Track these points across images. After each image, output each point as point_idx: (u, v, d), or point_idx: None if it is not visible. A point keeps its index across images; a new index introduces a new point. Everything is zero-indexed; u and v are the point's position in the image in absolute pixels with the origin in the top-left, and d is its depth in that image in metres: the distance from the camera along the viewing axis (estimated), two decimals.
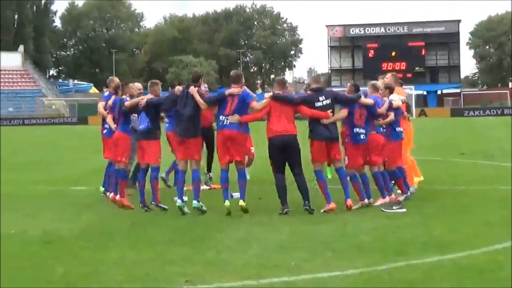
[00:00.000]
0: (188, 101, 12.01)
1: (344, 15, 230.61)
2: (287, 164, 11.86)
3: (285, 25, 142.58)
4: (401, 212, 11.41)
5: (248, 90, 12.06)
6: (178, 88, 12.34)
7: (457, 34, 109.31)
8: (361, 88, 12.84)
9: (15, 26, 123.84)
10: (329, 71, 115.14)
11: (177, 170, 12.66)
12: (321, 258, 8.32)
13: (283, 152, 11.70)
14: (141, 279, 7.54)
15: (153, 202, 12.30)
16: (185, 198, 12.56)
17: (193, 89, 12.03)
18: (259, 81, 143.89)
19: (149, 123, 12.37)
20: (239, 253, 8.69)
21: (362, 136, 12.12)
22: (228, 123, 11.65)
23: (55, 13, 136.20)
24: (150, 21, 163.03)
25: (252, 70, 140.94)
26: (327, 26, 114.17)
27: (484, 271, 7.46)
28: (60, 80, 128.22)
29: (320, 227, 10.30)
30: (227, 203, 11.55)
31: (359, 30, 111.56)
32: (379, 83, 13.03)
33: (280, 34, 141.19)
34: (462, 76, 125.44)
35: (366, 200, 12.04)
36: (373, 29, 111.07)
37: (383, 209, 11.60)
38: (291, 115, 11.81)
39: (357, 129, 12.09)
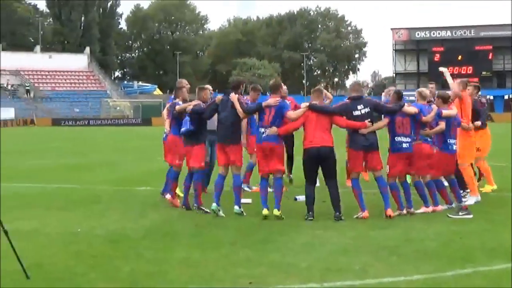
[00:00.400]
0: (228, 108, 12.04)
1: (410, 18, 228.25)
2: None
3: (349, 28, 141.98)
4: (467, 218, 11.26)
5: (285, 101, 12.11)
6: (219, 97, 12.34)
7: None
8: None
9: (82, 28, 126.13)
10: (394, 74, 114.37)
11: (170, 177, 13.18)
12: (385, 262, 8.27)
13: (318, 164, 11.66)
14: (206, 279, 7.60)
15: (195, 205, 12.38)
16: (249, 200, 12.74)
17: (233, 97, 12.01)
18: (322, 84, 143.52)
19: (190, 126, 12.43)
20: (303, 256, 8.69)
21: (405, 145, 11.85)
22: (267, 135, 11.66)
23: (120, 15, 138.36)
24: (214, 24, 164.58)
25: (315, 73, 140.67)
26: (392, 29, 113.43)
27: None
28: (125, 82, 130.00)
29: (384, 232, 10.23)
30: (265, 211, 11.54)
31: (425, 34, 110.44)
32: (427, 91, 12.77)
33: (344, 37, 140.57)
34: None
35: (404, 210, 11.86)
36: (438, 33, 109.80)
37: (449, 215, 11.46)
38: (328, 125, 11.68)
39: (399, 138, 11.84)
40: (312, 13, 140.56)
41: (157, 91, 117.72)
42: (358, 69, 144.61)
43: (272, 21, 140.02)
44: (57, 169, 21.77)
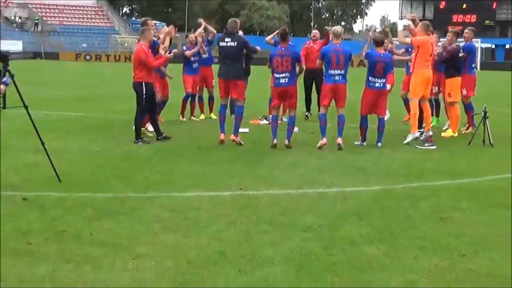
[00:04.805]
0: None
1: None
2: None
3: None
4: (431, 148, 13.05)
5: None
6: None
7: None
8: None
9: None
10: (400, 20, 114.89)
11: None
12: (352, 178, 10.09)
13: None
14: (205, 186, 9.33)
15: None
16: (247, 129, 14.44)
17: None
18: (330, 27, 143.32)
19: None
20: (286, 172, 10.51)
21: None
22: (337, 78, 13.11)
23: None
24: None
25: (323, 16, 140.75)
26: None
27: (480, 191, 9.19)
28: (133, 18, 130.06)
29: (358, 157, 12.06)
30: (324, 140, 13.01)
31: None
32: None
33: None
34: None
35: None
36: None
37: (417, 146, 13.24)
38: None
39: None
40: None
41: (165, 29, 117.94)
42: (366, 14, 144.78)
43: None
44: (72, 100, 23.48)
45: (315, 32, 18.54)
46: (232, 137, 13.16)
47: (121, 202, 8.32)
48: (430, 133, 13.64)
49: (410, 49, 15.24)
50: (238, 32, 13.74)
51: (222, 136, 13.22)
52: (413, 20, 14.55)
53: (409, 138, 13.50)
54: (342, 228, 7.24)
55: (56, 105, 21.12)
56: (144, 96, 13.37)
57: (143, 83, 13.38)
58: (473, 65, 15.66)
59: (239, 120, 13.37)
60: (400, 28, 17.68)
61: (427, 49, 13.77)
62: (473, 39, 15.96)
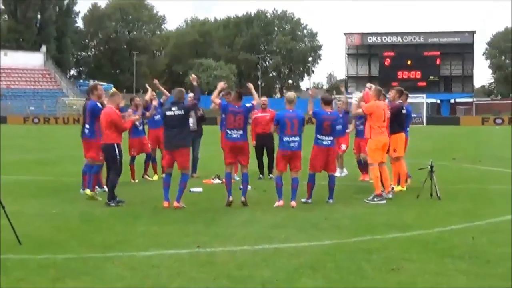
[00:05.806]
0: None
1: (362, 24, 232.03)
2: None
3: (305, 31, 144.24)
4: (381, 203, 13.49)
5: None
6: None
7: (471, 45, 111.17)
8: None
9: (38, 26, 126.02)
10: (346, 77, 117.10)
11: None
12: (306, 233, 10.41)
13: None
14: (163, 245, 9.56)
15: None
16: (200, 189, 14.68)
17: None
18: (277, 86, 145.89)
19: None
20: (241, 229, 10.80)
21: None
22: (292, 145, 13.38)
23: (77, 14, 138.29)
24: (172, 24, 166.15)
25: (271, 75, 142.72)
26: (345, 34, 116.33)
27: (428, 243, 9.59)
28: (81, 80, 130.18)
29: (310, 213, 12.41)
30: (281, 202, 13.36)
31: (376, 39, 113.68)
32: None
33: (300, 40, 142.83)
34: (479, 85, 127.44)
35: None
36: (390, 38, 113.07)
37: (366, 201, 13.67)
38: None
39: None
40: (269, 16, 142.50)
41: (113, 90, 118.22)
42: (313, 71, 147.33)
43: (229, 22, 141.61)
44: (24, 163, 23.57)
45: (264, 99, 18.51)
46: (175, 204, 13.20)
47: (82, 262, 8.51)
48: (390, 195, 14.19)
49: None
50: (183, 102, 13.97)
51: (165, 204, 13.28)
52: (369, 88, 15.13)
53: (376, 199, 13.89)
54: (298, 281, 7.54)
55: (8, 169, 21.04)
56: (118, 157, 13.68)
57: (115, 144, 13.69)
58: (407, 128, 16.23)
59: (183, 188, 13.41)
60: (354, 100, 18.31)
61: (380, 115, 14.23)
62: (409, 97, 16.49)
